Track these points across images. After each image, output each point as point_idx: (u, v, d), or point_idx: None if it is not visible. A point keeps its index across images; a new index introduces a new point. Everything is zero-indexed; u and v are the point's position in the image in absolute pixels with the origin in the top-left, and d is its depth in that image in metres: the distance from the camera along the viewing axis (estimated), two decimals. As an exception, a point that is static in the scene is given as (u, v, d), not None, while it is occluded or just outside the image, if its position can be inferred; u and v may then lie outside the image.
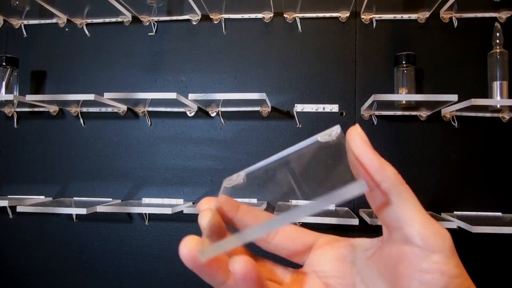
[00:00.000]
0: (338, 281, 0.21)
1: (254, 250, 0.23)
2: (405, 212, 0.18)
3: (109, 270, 0.95)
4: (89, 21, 0.99)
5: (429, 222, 0.18)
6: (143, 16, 0.96)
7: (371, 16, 0.92)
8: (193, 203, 0.93)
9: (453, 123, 0.88)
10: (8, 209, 0.97)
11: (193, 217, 0.93)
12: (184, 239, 0.18)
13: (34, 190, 0.98)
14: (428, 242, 0.17)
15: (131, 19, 0.98)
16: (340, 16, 0.92)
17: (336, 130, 0.21)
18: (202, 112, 0.95)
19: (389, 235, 0.20)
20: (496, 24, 0.83)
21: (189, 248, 0.18)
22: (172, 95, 0.79)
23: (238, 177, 0.24)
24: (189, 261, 0.18)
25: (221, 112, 0.94)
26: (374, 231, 0.87)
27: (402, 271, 0.18)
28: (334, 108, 0.91)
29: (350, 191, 0.16)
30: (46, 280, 0.97)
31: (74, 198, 0.97)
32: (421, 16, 0.90)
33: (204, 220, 0.20)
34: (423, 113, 0.89)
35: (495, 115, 0.87)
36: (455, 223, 0.76)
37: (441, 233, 0.18)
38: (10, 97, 0.85)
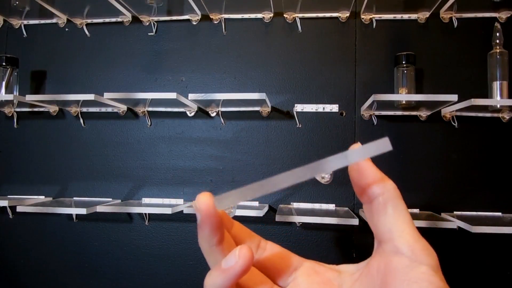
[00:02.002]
0: None
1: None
2: (398, 224, 0.19)
3: (109, 270, 0.95)
4: (89, 21, 0.99)
5: (419, 237, 0.19)
6: (143, 16, 0.96)
7: (371, 16, 0.92)
8: (193, 203, 0.93)
9: (453, 123, 0.88)
10: (8, 209, 0.97)
11: (193, 217, 0.93)
12: (200, 194, 0.20)
13: (34, 190, 0.98)
14: (416, 254, 0.18)
15: (131, 19, 0.98)
16: (340, 16, 0.92)
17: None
18: (202, 112, 0.95)
19: (379, 246, 0.20)
20: (496, 24, 0.83)
21: (207, 197, 0.19)
22: (172, 95, 0.79)
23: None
24: (206, 206, 0.19)
25: (221, 112, 0.94)
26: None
27: (390, 282, 0.18)
28: (334, 108, 0.91)
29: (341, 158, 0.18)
30: (46, 280, 0.97)
31: (74, 198, 0.97)
32: (421, 16, 0.90)
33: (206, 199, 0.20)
34: (423, 113, 0.89)
35: (495, 115, 0.87)
36: (455, 223, 0.77)
37: (429, 249, 0.19)
38: (10, 97, 0.85)
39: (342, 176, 0.90)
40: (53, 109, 0.98)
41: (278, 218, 0.78)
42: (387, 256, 0.19)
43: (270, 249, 0.25)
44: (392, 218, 0.20)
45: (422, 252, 0.18)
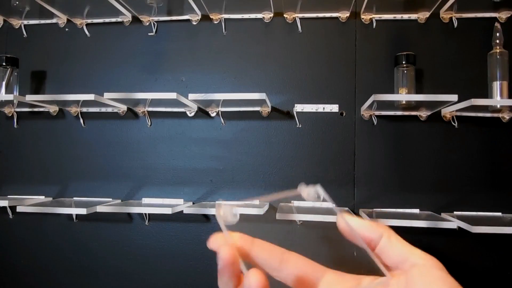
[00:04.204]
0: None
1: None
2: (405, 248, 0.25)
3: (109, 270, 0.95)
4: (89, 21, 0.99)
5: (422, 251, 0.24)
6: (143, 16, 0.96)
7: (371, 16, 0.91)
8: (193, 203, 0.93)
9: (453, 123, 0.88)
10: (8, 209, 0.97)
11: (193, 217, 0.93)
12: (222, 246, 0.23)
13: (34, 190, 0.98)
14: (429, 261, 0.23)
15: (131, 19, 0.98)
16: (340, 16, 0.92)
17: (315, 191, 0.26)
18: (202, 112, 0.95)
19: (395, 270, 0.25)
20: (496, 24, 0.83)
21: (228, 249, 0.23)
22: (172, 95, 0.79)
23: (233, 214, 0.26)
24: (227, 257, 0.23)
25: (221, 112, 0.94)
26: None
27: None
28: (334, 108, 0.91)
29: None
30: (46, 280, 0.97)
31: (74, 198, 0.97)
32: (421, 16, 0.90)
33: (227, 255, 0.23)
34: (423, 113, 0.89)
35: (495, 115, 0.87)
36: (455, 223, 0.76)
37: (436, 259, 0.24)
38: (10, 97, 0.85)
39: (342, 176, 0.90)
40: (53, 109, 0.98)
41: (278, 216, 0.78)
42: (405, 272, 0.23)
43: (293, 262, 0.26)
44: (399, 245, 0.25)
45: (433, 261, 0.23)
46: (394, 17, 0.91)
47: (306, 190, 0.26)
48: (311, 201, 0.25)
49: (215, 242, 0.24)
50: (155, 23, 0.97)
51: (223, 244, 0.23)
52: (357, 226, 0.25)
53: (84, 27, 0.99)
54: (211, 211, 0.85)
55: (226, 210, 0.25)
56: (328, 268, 0.27)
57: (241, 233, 0.26)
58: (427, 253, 0.24)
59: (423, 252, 0.24)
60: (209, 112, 0.95)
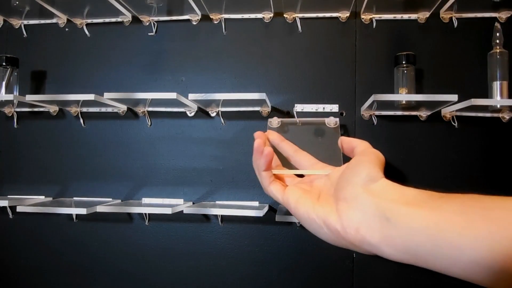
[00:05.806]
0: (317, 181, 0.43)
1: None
2: (357, 141, 0.39)
3: (109, 270, 0.95)
4: (89, 21, 0.99)
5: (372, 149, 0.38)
6: (143, 16, 0.96)
7: (371, 16, 0.92)
8: (193, 203, 0.93)
9: (453, 123, 0.88)
10: (8, 209, 0.97)
11: (193, 217, 0.93)
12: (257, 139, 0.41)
13: (34, 190, 0.98)
14: (368, 147, 0.37)
15: (131, 19, 0.98)
16: (340, 16, 0.92)
17: (336, 120, 0.44)
18: (202, 112, 0.95)
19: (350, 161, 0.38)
20: (496, 24, 0.83)
21: (261, 142, 0.41)
22: (172, 95, 0.79)
23: (277, 123, 0.44)
24: (258, 145, 0.41)
25: (221, 112, 0.94)
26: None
27: (350, 167, 0.36)
28: (334, 108, 0.91)
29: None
30: (46, 280, 0.97)
31: (74, 198, 0.97)
32: (421, 16, 0.90)
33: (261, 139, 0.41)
34: (423, 113, 0.89)
35: (495, 115, 0.87)
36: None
37: (377, 152, 0.37)
38: (10, 97, 0.85)
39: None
40: (53, 109, 0.98)
41: (278, 218, 0.78)
42: (351, 161, 0.36)
43: (302, 154, 0.45)
44: (356, 141, 0.39)
45: (373, 149, 0.37)
46: (394, 17, 0.91)
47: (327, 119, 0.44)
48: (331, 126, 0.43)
49: (257, 133, 0.40)
50: (155, 23, 0.97)
51: (260, 135, 0.40)
52: (345, 140, 0.43)
53: (84, 27, 0.99)
54: (211, 211, 0.85)
55: (274, 119, 0.44)
56: (320, 162, 0.44)
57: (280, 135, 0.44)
58: (374, 150, 0.38)
59: (369, 146, 0.36)
60: (209, 112, 0.95)
